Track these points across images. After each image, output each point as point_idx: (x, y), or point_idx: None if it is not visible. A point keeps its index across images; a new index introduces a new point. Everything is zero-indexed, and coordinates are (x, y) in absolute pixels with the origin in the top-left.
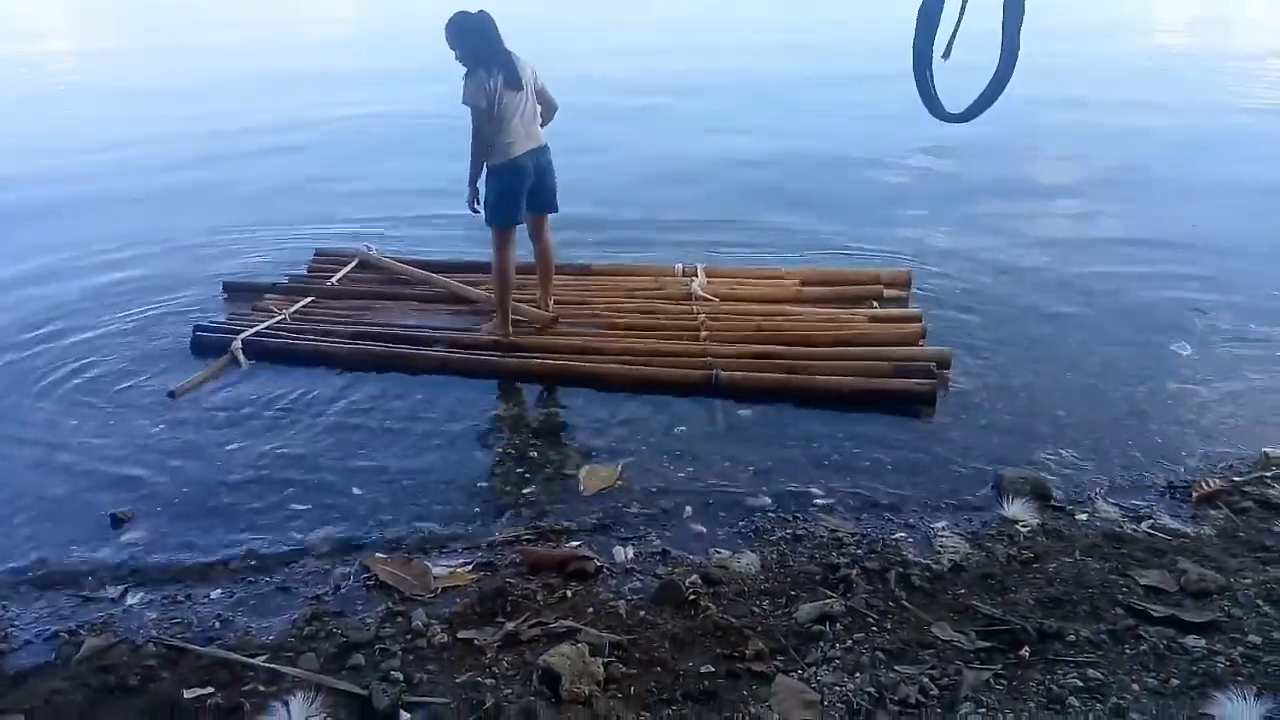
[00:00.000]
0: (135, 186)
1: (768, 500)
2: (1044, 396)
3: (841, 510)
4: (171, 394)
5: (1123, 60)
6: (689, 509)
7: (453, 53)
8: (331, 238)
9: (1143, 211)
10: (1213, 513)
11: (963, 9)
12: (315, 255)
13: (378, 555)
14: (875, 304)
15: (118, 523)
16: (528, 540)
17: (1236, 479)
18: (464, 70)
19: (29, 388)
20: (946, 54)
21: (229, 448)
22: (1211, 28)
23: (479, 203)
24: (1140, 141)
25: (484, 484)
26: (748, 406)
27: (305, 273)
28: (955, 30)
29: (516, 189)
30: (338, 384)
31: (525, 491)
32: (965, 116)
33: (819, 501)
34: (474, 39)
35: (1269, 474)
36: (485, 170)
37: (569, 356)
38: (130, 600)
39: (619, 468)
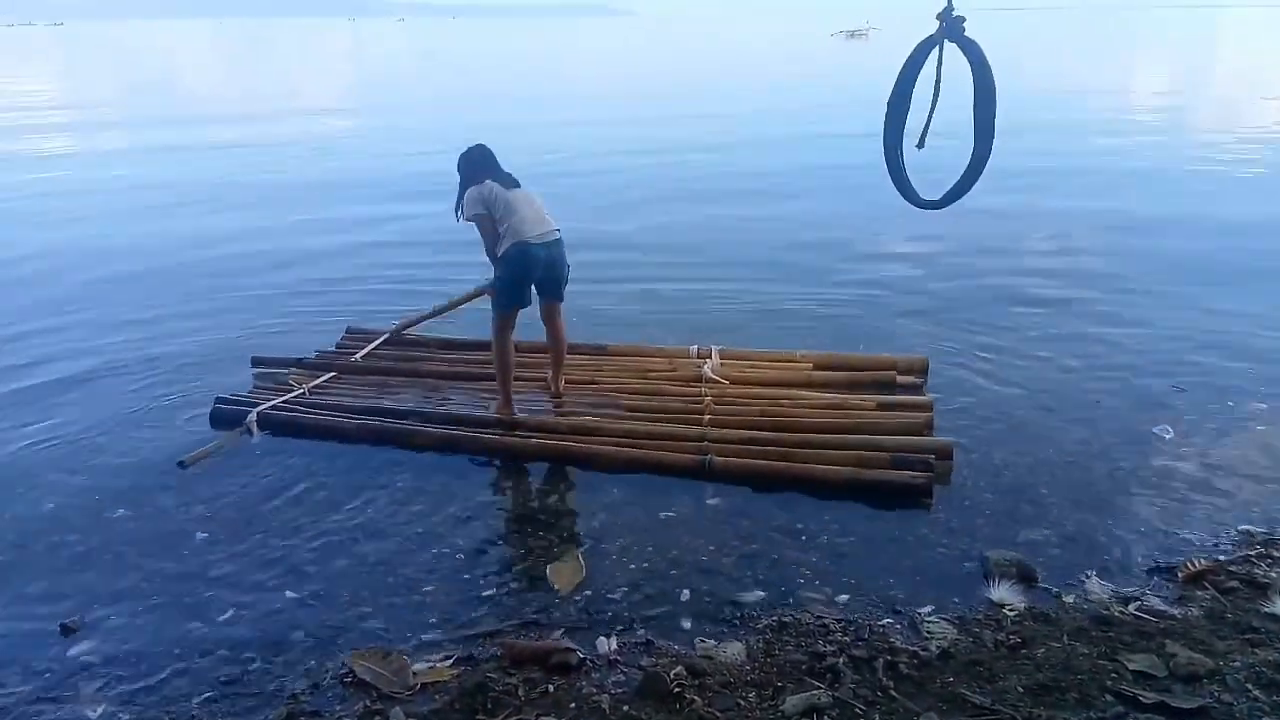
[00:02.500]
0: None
1: (754, 587)
2: (1027, 477)
3: (828, 596)
4: (181, 463)
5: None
6: (674, 596)
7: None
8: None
9: (1125, 292)
10: (1199, 593)
11: (934, 100)
12: (346, 332)
13: (356, 650)
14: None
15: (67, 632)
16: (510, 632)
17: (1222, 558)
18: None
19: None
20: (920, 144)
21: (206, 534)
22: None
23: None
24: (1123, 224)
25: (467, 573)
26: (737, 491)
27: (334, 349)
28: (928, 121)
29: (524, 276)
30: (337, 461)
31: (509, 580)
32: (941, 204)
33: (805, 588)
34: (470, 167)
35: (1253, 553)
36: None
37: (566, 437)
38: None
39: (581, 561)
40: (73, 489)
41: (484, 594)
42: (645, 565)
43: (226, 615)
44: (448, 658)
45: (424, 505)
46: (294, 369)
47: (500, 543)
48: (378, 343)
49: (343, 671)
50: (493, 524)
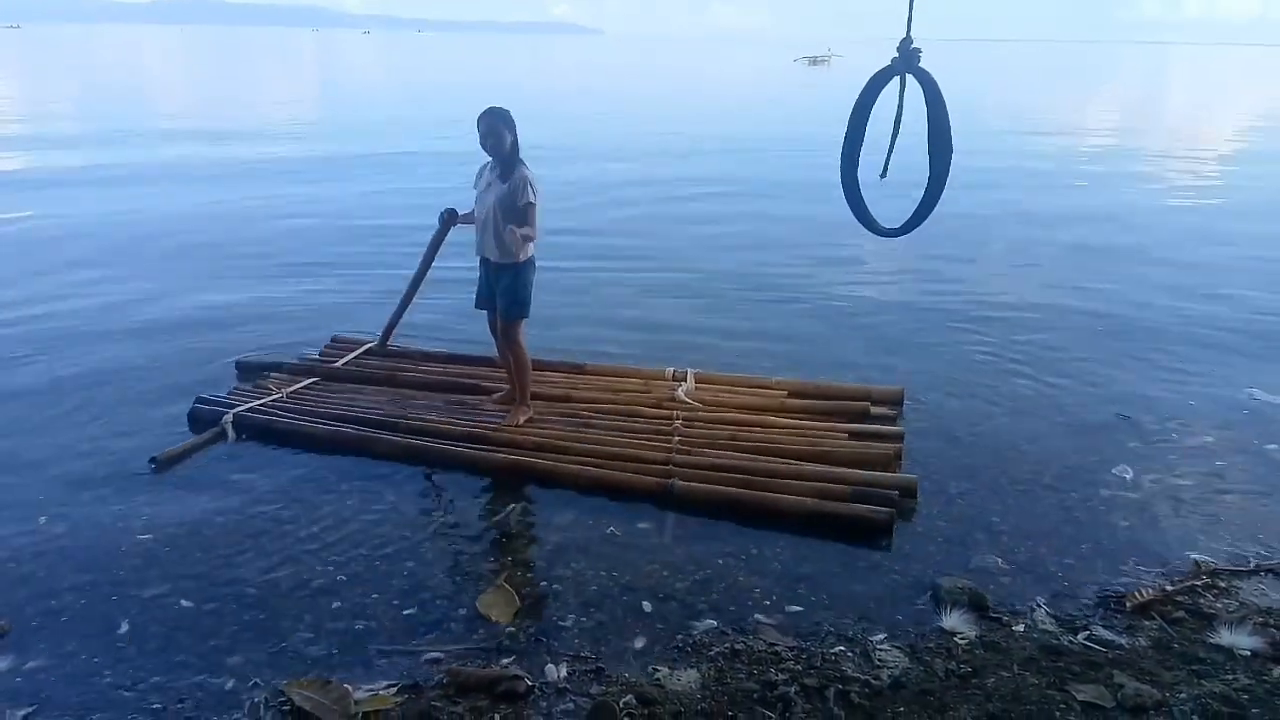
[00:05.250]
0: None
1: (707, 613)
2: (979, 504)
3: (781, 623)
4: (154, 460)
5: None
6: (626, 622)
7: (495, 140)
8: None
9: (1086, 319)
10: (1147, 623)
11: (895, 131)
12: (331, 340)
13: (295, 679)
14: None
15: None
16: (456, 658)
17: (1169, 588)
18: (489, 161)
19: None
20: (883, 174)
21: (150, 536)
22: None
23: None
24: (1088, 249)
25: (414, 596)
26: (692, 515)
27: (318, 355)
28: (889, 151)
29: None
30: (299, 471)
31: (457, 604)
32: (900, 232)
33: (758, 614)
34: (514, 135)
35: (1199, 584)
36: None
37: (532, 453)
38: None
39: (510, 588)
40: (32, 484)
41: (430, 618)
42: (598, 589)
43: (158, 638)
44: (391, 685)
45: (376, 523)
46: (274, 373)
47: (450, 564)
48: (359, 352)
49: (281, 701)
50: (444, 544)
